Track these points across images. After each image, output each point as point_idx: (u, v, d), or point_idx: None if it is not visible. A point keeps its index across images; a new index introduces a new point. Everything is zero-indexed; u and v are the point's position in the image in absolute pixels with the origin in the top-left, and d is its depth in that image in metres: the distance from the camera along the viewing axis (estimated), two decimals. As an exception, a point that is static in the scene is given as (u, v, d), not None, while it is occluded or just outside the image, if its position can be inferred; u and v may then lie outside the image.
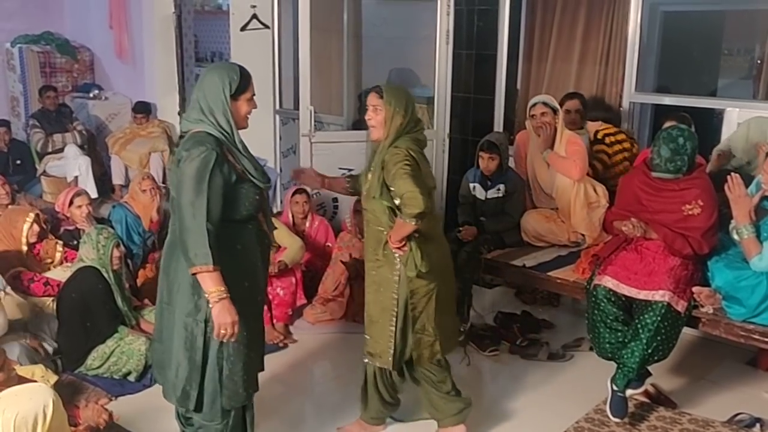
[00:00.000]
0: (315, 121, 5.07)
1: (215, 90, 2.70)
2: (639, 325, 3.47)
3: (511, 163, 4.72)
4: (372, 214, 3.19)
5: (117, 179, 7.01)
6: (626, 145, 4.78)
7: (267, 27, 5.82)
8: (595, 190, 4.48)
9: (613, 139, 4.77)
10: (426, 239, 3.14)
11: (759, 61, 5.58)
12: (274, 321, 4.52)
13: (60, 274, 4.38)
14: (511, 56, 5.52)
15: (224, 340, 2.70)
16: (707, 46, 6.35)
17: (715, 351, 4.38)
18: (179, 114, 7.24)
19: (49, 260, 4.61)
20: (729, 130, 4.50)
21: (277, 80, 6.01)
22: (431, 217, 3.17)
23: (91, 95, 7.81)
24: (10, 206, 5.04)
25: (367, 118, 3.17)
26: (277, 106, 6.16)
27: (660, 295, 3.46)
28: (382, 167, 3.08)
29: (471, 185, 4.66)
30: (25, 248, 4.46)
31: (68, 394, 3.55)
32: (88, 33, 8.13)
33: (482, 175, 4.60)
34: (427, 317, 3.23)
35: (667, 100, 5.11)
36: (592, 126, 4.89)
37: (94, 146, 7.33)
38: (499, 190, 4.55)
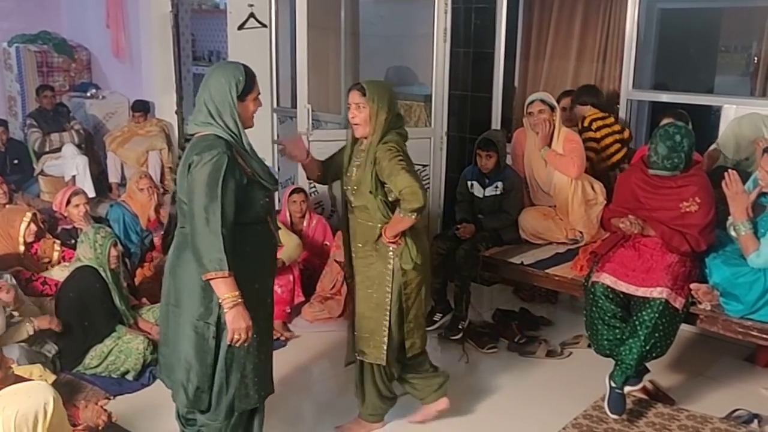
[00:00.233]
0: (312, 120, 5.06)
1: (222, 92, 2.68)
2: (637, 322, 3.47)
3: (509, 160, 4.72)
4: (363, 211, 3.19)
5: (113, 177, 7.02)
6: (615, 127, 4.79)
7: (264, 26, 5.81)
8: (593, 188, 4.49)
9: (600, 123, 4.77)
10: (417, 232, 3.20)
11: (756, 58, 5.58)
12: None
13: (58, 273, 4.38)
14: (508, 54, 5.52)
15: (237, 345, 2.69)
16: (704, 44, 6.35)
17: (713, 347, 4.38)
18: (177, 113, 7.25)
19: (47, 259, 4.61)
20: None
21: (274, 79, 5.99)
22: None
23: (88, 94, 7.80)
24: (7, 206, 5.03)
25: (350, 116, 3.16)
26: (275, 105, 6.14)
27: (658, 292, 3.47)
28: (373, 164, 3.09)
29: (469, 183, 4.66)
30: (22, 248, 4.46)
31: (66, 393, 3.54)
32: (85, 32, 8.12)
33: (480, 172, 4.60)
34: (417, 307, 3.29)
35: (665, 97, 5.11)
36: (581, 110, 4.90)
37: (92, 145, 7.32)
38: (496, 187, 4.55)
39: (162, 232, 2.82)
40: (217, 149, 2.60)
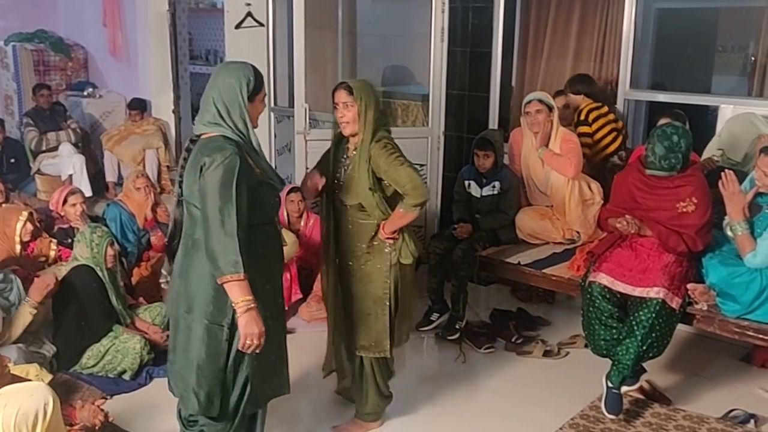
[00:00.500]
0: (310, 119, 5.06)
1: (232, 92, 2.65)
2: (634, 322, 3.47)
3: (506, 160, 4.72)
4: (358, 210, 3.20)
5: (109, 176, 7.00)
6: (610, 117, 4.80)
7: (262, 25, 5.80)
8: (590, 187, 4.49)
9: (596, 114, 4.78)
10: (410, 226, 3.24)
11: (753, 58, 5.59)
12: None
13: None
14: (505, 53, 5.52)
15: (248, 351, 2.66)
16: (702, 43, 6.36)
17: (710, 347, 4.39)
18: (174, 111, 7.24)
19: (44, 259, 4.60)
20: (723, 127, 4.51)
21: (271, 78, 5.98)
22: None
23: (85, 93, 7.78)
24: (3, 205, 5.02)
25: (339, 115, 3.17)
26: (272, 104, 6.14)
27: (655, 292, 3.47)
28: (368, 161, 3.11)
29: (466, 182, 4.66)
30: (18, 247, 4.45)
31: (63, 393, 3.53)
32: (82, 31, 8.10)
33: (477, 172, 4.60)
34: (408, 299, 3.37)
35: (662, 97, 5.11)
36: (574, 100, 4.90)
37: (89, 144, 7.31)
38: (494, 187, 4.55)
39: (167, 239, 2.79)
40: (229, 150, 2.57)
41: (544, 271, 4.20)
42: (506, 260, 4.36)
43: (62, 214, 4.82)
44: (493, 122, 5.51)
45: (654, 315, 3.44)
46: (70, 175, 6.66)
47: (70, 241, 4.50)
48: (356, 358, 3.42)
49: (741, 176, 3.67)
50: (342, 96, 3.15)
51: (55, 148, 6.86)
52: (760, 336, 3.45)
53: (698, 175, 3.65)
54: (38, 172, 6.87)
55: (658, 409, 3.74)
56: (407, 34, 5.98)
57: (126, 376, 3.92)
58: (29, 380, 3.14)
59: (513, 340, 4.47)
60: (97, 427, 3.18)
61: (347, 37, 6.19)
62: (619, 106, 5.02)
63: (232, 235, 2.54)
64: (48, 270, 4.48)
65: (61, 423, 2.35)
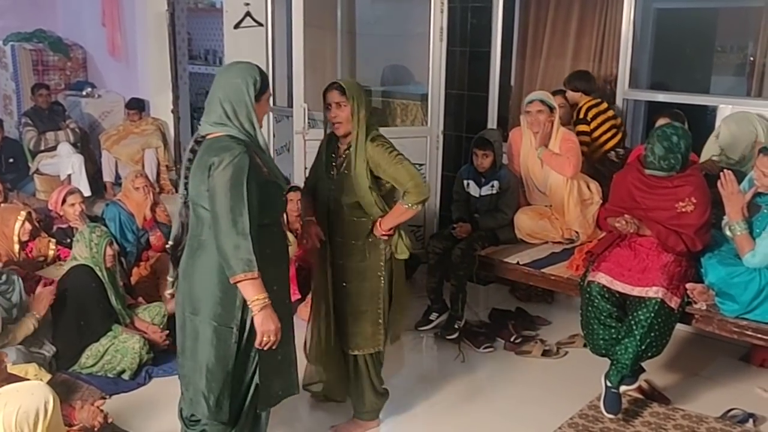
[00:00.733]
0: (308, 119, 5.06)
1: (238, 92, 2.64)
2: (632, 322, 3.48)
3: (505, 160, 4.72)
4: (355, 208, 3.21)
5: (107, 176, 6.99)
6: (610, 113, 4.81)
7: (260, 24, 5.80)
8: (588, 187, 4.49)
9: (596, 111, 4.79)
10: (408, 224, 3.31)
11: (752, 58, 5.59)
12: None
13: (53, 272, 4.37)
14: (504, 53, 5.53)
15: (265, 348, 2.65)
16: (700, 43, 6.36)
17: (709, 347, 4.39)
18: (172, 111, 7.24)
19: (42, 258, 4.60)
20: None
21: (270, 78, 5.98)
22: None
23: (84, 93, 7.78)
24: (2, 205, 5.02)
25: (332, 115, 3.18)
26: (271, 104, 6.14)
27: (653, 292, 3.47)
28: (366, 160, 3.13)
29: (465, 182, 4.66)
30: (17, 247, 4.45)
31: (62, 392, 3.52)
32: (81, 31, 8.10)
33: (476, 172, 4.61)
34: (402, 293, 3.41)
35: (661, 97, 5.11)
36: (573, 97, 4.90)
37: (87, 144, 7.31)
38: (492, 187, 4.55)
39: (171, 243, 2.76)
40: (237, 149, 2.56)
41: (543, 270, 4.20)
42: (505, 260, 4.36)
43: (61, 213, 4.82)
44: (492, 122, 5.52)
45: (653, 314, 3.44)
46: (69, 175, 6.65)
47: (69, 240, 4.50)
48: (350, 357, 3.42)
49: (739, 176, 3.67)
50: (335, 96, 3.17)
51: (54, 148, 6.86)
52: (759, 335, 3.45)
53: (697, 175, 3.65)
54: (37, 171, 6.87)
55: (656, 409, 3.74)
56: (406, 34, 5.98)
57: (125, 376, 3.91)
58: (28, 380, 3.13)
59: (512, 339, 4.47)
60: (96, 428, 3.18)
61: (346, 37, 6.19)
62: (618, 105, 5.02)
63: (245, 234, 2.52)
64: (48, 269, 4.49)
65: (61, 422, 2.35)
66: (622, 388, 3.55)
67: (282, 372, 2.85)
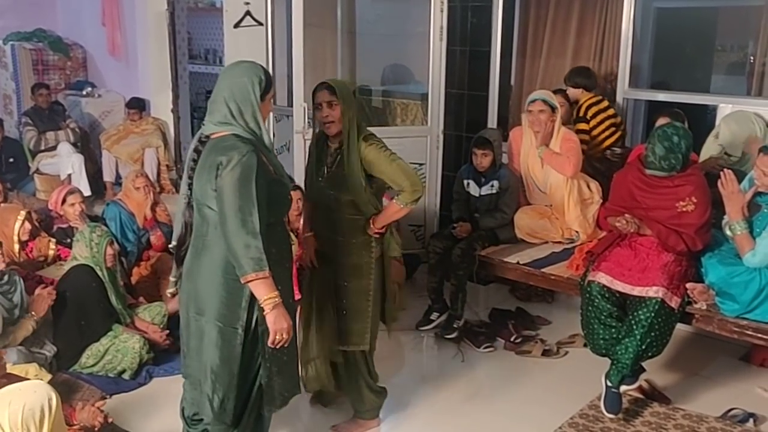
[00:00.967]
0: (309, 118, 5.05)
1: (244, 91, 2.64)
2: (633, 321, 3.48)
3: (505, 159, 4.72)
4: (350, 206, 3.22)
5: (107, 176, 6.98)
6: (610, 111, 4.81)
7: (260, 24, 5.79)
8: (588, 187, 4.49)
9: (596, 109, 4.79)
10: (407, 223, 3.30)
11: (752, 58, 5.59)
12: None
13: (53, 272, 4.37)
14: (504, 52, 5.52)
15: (277, 347, 2.64)
16: (701, 43, 6.36)
17: (709, 347, 4.39)
18: (172, 111, 7.23)
19: (43, 258, 4.60)
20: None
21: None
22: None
23: (84, 93, 7.77)
24: (2, 204, 5.02)
25: (323, 115, 3.19)
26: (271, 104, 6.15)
27: (654, 291, 3.47)
28: (360, 160, 3.15)
29: (465, 182, 4.66)
30: (17, 246, 4.45)
31: (63, 392, 3.50)
32: (81, 30, 8.09)
33: (476, 171, 4.61)
34: (392, 289, 3.46)
35: (661, 96, 5.11)
36: (573, 93, 4.90)
37: (88, 144, 7.30)
38: (492, 186, 4.55)
39: (175, 243, 2.76)
40: (245, 148, 2.55)
41: (543, 270, 4.20)
42: (505, 259, 4.36)
43: (61, 213, 4.82)
44: (492, 121, 5.51)
45: (653, 314, 3.44)
46: (69, 175, 6.65)
47: (69, 240, 4.50)
48: (343, 355, 3.42)
49: (739, 175, 3.67)
50: (325, 96, 3.18)
51: (54, 148, 6.85)
52: (759, 335, 3.45)
53: (698, 174, 3.65)
54: (37, 171, 6.87)
55: (657, 408, 3.74)
56: (406, 33, 5.98)
57: (126, 376, 3.91)
58: (27, 379, 3.13)
59: (512, 339, 4.47)
60: (96, 428, 3.18)
61: (346, 36, 6.19)
62: (618, 105, 5.02)
63: (255, 233, 2.51)
64: (48, 269, 4.49)
65: (62, 422, 2.35)
66: (623, 387, 3.55)
67: (286, 372, 2.85)
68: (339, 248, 3.29)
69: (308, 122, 5.06)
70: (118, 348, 3.90)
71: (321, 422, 3.61)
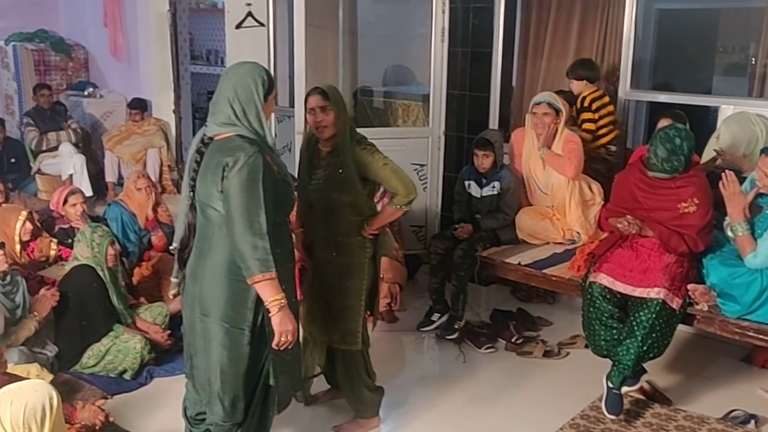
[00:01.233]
0: (308, 120, 5.05)
1: (248, 92, 2.64)
2: (634, 323, 3.47)
3: (506, 160, 4.72)
4: (350, 207, 3.26)
5: (109, 176, 7.00)
6: (610, 108, 4.81)
7: (262, 25, 5.80)
8: (590, 188, 4.49)
9: (599, 103, 4.78)
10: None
11: (754, 59, 5.59)
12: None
13: (55, 272, 4.37)
14: (506, 53, 5.52)
15: (282, 348, 2.65)
16: (702, 44, 6.35)
17: (710, 348, 4.39)
18: (174, 112, 7.24)
19: (44, 259, 4.60)
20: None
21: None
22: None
23: (85, 93, 7.78)
24: (3, 205, 5.02)
25: (318, 119, 3.21)
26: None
27: (655, 293, 3.47)
28: (354, 164, 3.20)
29: (466, 183, 4.66)
30: (18, 247, 4.45)
31: (64, 392, 3.51)
32: (83, 31, 8.11)
33: (477, 172, 4.60)
34: (377, 288, 3.52)
35: (663, 97, 5.11)
36: (576, 86, 4.90)
37: (89, 144, 7.31)
38: (494, 187, 4.55)
39: (178, 246, 2.76)
40: (251, 149, 2.55)
41: (544, 271, 4.19)
42: (507, 260, 4.36)
43: (63, 214, 4.82)
44: (494, 122, 5.51)
45: (654, 315, 3.44)
46: (71, 175, 6.66)
47: (70, 241, 4.50)
48: (340, 354, 3.44)
49: (740, 177, 3.66)
50: (319, 101, 3.21)
51: (56, 148, 6.86)
52: (761, 336, 3.44)
53: (700, 175, 3.65)
54: (39, 171, 6.88)
55: (658, 410, 3.74)
56: (408, 34, 5.98)
57: (127, 376, 3.92)
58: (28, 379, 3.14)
59: (513, 340, 4.47)
60: (97, 427, 3.19)
61: (348, 37, 6.20)
62: (620, 106, 5.02)
63: (262, 234, 2.52)
64: (49, 270, 4.49)
65: (62, 422, 2.36)
66: (624, 389, 3.55)
67: (290, 371, 2.86)
68: (338, 248, 3.31)
69: (309, 123, 5.06)
70: (120, 348, 3.90)
71: (322, 423, 3.61)
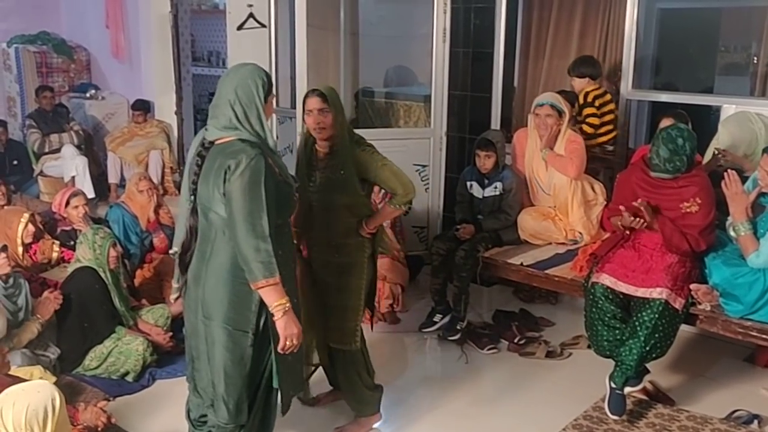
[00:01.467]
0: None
1: (249, 95, 2.63)
2: (637, 323, 3.47)
3: (508, 160, 4.72)
4: (347, 209, 3.28)
5: (112, 178, 7.01)
6: (611, 106, 4.83)
7: (264, 26, 5.81)
8: (592, 188, 4.49)
9: (601, 101, 4.80)
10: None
11: (755, 58, 5.58)
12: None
13: (57, 274, 4.37)
14: (507, 54, 5.51)
15: (286, 352, 2.64)
16: (704, 43, 6.35)
17: (713, 348, 4.38)
18: (176, 113, 7.25)
19: (46, 261, 4.61)
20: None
21: (273, 79, 5.99)
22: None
23: (87, 95, 7.79)
24: (5, 207, 5.03)
25: (316, 121, 3.21)
26: (274, 105, 6.15)
27: (658, 293, 3.47)
28: (354, 165, 3.22)
29: (468, 183, 4.66)
30: (20, 249, 4.45)
31: (66, 394, 3.49)
32: (85, 33, 8.11)
33: (479, 173, 4.60)
34: (374, 287, 3.54)
35: (664, 97, 5.10)
36: (578, 84, 4.89)
37: (91, 146, 7.32)
38: (496, 188, 4.55)
39: (179, 250, 2.76)
40: (253, 152, 2.55)
41: (546, 272, 4.19)
42: (509, 261, 4.36)
43: (65, 216, 4.82)
44: (496, 123, 5.51)
45: (657, 315, 3.43)
46: (73, 177, 6.66)
47: (72, 243, 4.51)
48: (340, 354, 3.44)
49: (742, 176, 3.66)
50: (317, 103, 3.21)
51: (58, 150, 6.87)
52: (764, 336, 3.44)
53: (702, 175, 3.64)
54: (41, 173, 6.89)
55: (661, 410, 3.73)
56: (409, 35, 5.98)
57: (129, 378, 3.92)
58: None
59: (516, 340, 4.47)
60: (99, 429, 3.19)
61: (349, 38, 6.19)
62: (621, 106, 5.01)
63: (265, 238, 2.51)
64: (52, 272, 4.50)
65: (67, 422, 2.36)
66: (627, 389, 3.55)
67: (291, 372, 2.86)
68: (338, 249, 3.32)
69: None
70: (122, 350, 3.90)
71: (323, 424, 3.61)
